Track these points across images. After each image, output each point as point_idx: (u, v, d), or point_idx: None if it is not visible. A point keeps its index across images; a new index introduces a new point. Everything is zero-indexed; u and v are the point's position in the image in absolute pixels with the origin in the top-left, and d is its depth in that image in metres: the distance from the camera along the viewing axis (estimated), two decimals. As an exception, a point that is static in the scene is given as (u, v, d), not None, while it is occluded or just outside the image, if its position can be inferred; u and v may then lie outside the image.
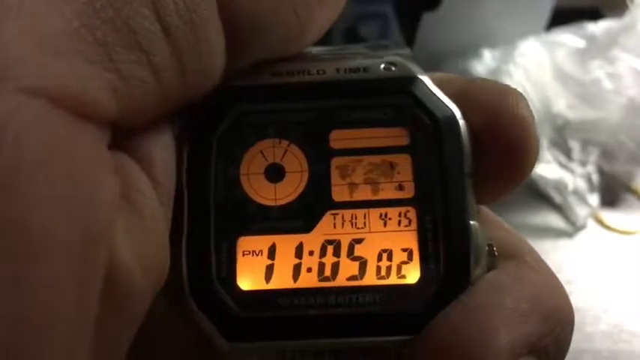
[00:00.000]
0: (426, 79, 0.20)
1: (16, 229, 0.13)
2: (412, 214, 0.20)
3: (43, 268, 0.14)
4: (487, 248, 0.19)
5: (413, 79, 0.20)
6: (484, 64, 0.75)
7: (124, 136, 0.17)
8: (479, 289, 0.19)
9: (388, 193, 0.20)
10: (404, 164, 0.20)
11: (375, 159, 0.20)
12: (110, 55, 0.15)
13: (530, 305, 0.18)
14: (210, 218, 0.20)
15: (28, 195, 0.13)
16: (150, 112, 0.17)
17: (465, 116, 0.20)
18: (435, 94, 0.20)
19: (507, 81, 0.70)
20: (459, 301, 0.19)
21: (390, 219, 0.20)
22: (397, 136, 0.20)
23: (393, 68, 0.21)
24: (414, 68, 0.21)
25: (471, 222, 0.19)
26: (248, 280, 0.19)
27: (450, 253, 0.19)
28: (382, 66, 0.21)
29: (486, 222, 0.21)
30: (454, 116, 0.20)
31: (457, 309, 0.18)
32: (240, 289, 0.19)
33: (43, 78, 0.14)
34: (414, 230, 0.20)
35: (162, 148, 0.18)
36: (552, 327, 0.19)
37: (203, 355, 0.20)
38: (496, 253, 0.20)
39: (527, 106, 0.20)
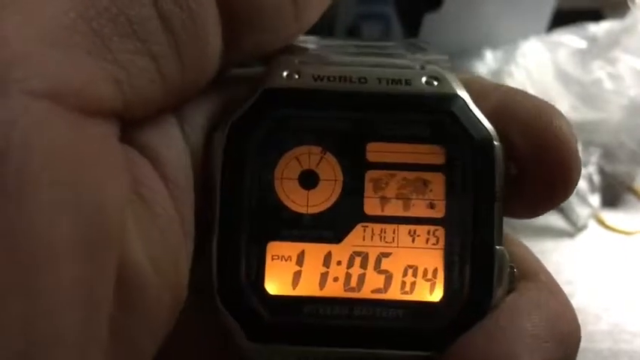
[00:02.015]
0: (465, 95, 0.20)
1: (20, 236, 0.13)
2: (441, 233, 0.20)
3: (48, 274, 0.14)
4: (509, 270, 0.20)
5: (453, 97, 0.20)
6: (486, 64, 0.75)
7: (131, 131, 0.17)
8: (501, 313, 0.19)
9: (419, 210, 0.20)
10: (437, 183, 0.20)
11: (409, 175, 0.20)
12: (108, 46, 0.15)
13: (549, 330, 0.19)
14: (242, 221, 0.20)
15: (33, 200, 0.13)
16: (154, 101, 0.17)
17: (502, 133, 0.20)
18: (473, 114, 0.20)
19: (509, 81, 0.70)
20: (481, 325, 0.19)
21: (418, 236, 0.20)
22: (433, 154, 0.20)
23: (435, 83, 0.20)
24: (455, 84, 0.20)
25: (497, 247, 0.20)
26: (275, 284, 0.20)
27: (474, 275, 0.19)
28: (424, 79, 0.20)
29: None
30: (490, 139, 0.20)
31: (480, 333, 0.19)
32: (267, 293, 0.20)
33: (47, 77, 0.14)
34: (441, 250, 0.20)
35: (171, 146, 0.18)
36: (566, 349, 0.19)
37: (220, 355, 0.20)
38: (516, 275, 0.20)
39: (570, 126, 0.20)
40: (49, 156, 0.14)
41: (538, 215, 0.21)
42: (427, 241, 0.20)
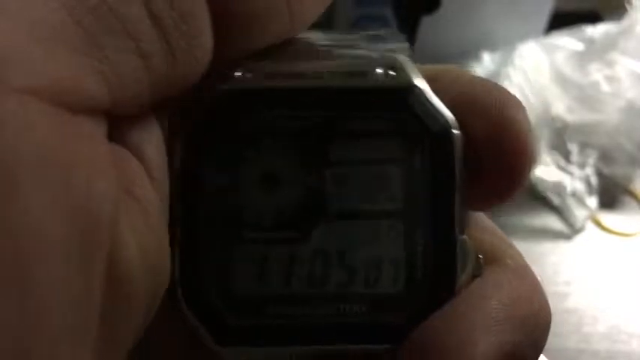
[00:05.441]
0: (424, 85, 0.20)
1: (12, 235, 0.13)
2: (402, 226, 0.20)
3: (42, 271, 0.14)
4: (474, 258, 0.20)
5: (410, 88, 0.20)
6: (483, 66, 0.75)
7: (119, 129, 0.17)
8: (460, 298, 0.19)
9: (380, 204, 0.20)
10: (396, 176, 0.20)
11: (369, 170, 0.20)
12: (97, 44, 0.15)
13: (507, 313, 0.19)
14: (205, 226, 0.19)
15: (24, 200, 0.13)
16: (142, 100, 0.17)
17: (464, 123, 0.20)
18: (431, 104, 0.20)
19: (506, 84, 0.70)
20: (441, 311, 0.19)
21: (380, 230, 0.20)
22: (391, 148, 0.20)
23: (392, 73, 0.20)
24: (413, 73, 0.20)
25: (460, 237, 0.20)
26: (239, 286, 0.20)
27: (436, 266, 0.19)
28: (380, 71, 0.20)
29: (471, 224, 0.21)
30: (449, 129, 0.20)
31: (438, 319, 0.19)
32: (231, 295, 0.20)
33: (35, 75, 0.14)
34: (403, 243, 0.20)
35: (155, 145, 0.18)
36: (529, 333, 0.19)
37: (193, 352, 0.20)
38: (482, 262, 0.20)
39: (525, 114, 0.20)
40: (39, 155, 0.14)
41: (493, 206, 0.21)
42: (389, 234, 0.20)
